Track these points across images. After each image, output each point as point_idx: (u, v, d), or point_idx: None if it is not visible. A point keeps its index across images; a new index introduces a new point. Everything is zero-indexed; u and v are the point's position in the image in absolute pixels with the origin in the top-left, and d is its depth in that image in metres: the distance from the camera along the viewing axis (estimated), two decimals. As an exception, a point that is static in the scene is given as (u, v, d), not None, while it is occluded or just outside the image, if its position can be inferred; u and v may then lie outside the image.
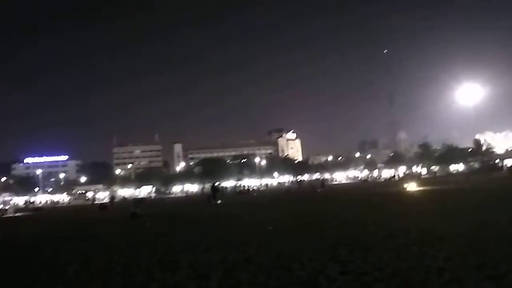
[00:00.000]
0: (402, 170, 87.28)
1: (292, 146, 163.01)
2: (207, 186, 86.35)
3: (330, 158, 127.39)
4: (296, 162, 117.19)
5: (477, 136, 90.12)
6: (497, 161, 72.33)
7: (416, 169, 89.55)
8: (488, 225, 7.65)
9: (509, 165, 61.77)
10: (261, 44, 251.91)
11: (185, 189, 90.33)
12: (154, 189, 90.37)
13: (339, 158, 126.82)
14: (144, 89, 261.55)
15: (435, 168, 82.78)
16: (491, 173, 53.67)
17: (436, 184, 31.17)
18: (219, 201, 25.25)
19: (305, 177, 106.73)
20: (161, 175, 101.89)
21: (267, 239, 8.17)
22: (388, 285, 4.19)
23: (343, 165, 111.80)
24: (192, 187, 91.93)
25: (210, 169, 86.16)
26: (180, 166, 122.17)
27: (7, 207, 50.31)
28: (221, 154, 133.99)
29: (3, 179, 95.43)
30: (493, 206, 11.55)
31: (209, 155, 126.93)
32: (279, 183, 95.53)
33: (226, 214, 16.56)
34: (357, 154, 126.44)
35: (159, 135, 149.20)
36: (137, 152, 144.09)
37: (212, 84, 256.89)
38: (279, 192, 39.28)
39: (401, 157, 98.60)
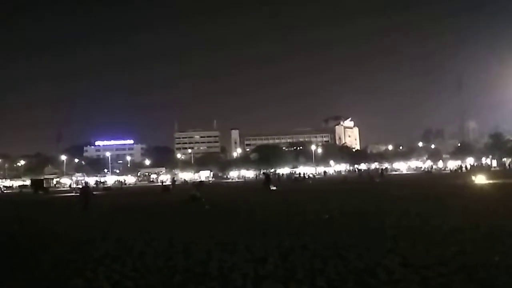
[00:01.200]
0: (469, 161, 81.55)
1: (350, 134, 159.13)
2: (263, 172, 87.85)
3: (390, 147, 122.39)
4: (353, 150, 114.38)
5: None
6: None
7: (485, 161, 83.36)
8: None
9: None
10: (324, 34, 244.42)
11: (241, 175, 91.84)
12: (212, 174, 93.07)
13: (400, 148, 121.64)
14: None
15: (507, 160, 76.37)
16: None
17: (508, 178, 28.74)
18: (274, 188, 25.44)
19: (363, 166, 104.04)
20: (219, 160, 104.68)
21: (323, 227, 8.12)
22: (451, 281, 4.00)
23: (405, 155, 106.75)
24: (248, 173, 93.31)
25: (266, 156, 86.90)
26: (237, 152, 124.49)
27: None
28: (277, 141, 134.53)
29: (76, 160, 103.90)
30: None
31: (265, 142, 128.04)
32: (335, 171, 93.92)
33: (282, 200, 16.55)
34: (420, 144, 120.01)
35: (217, 122, 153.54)
36: (197, 137, 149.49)
37: (270, 70, 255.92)
38: (336, 181, 38.62)
39: (469, 148, 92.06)
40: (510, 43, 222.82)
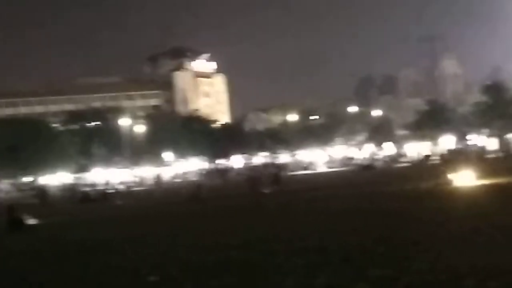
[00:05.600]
0: (447, 142, 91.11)
1: (208, 91, 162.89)
2: (7, 186, 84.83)
3: (292, 118, 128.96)
4: (216, 127, 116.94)
5: None
6: None
7: (477, 139, 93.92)
8: None
9: None
10: None
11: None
12: None
13: (313, 119, 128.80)
14: None
15: (509, 137, 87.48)
16: None
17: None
18: (31, 221, 24.95)
19: (237, 160, 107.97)
20: None
21: None
22: None
23: (323, 134, 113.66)
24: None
25: (11, 146, 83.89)
26: None
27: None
28: (38, 109, 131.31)
29: None
30: None
31: (8, 111, 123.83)
32: (178, 175, 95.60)
33: (51, 251, 16.51)
34: (353, 109, 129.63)
35: None
36: None
37: None
38: (176, 197, 39.48)
39: (445, 114, 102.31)
40: None
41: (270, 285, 8.05)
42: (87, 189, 66.91)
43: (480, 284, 7.52)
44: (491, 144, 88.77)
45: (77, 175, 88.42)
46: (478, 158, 59.78)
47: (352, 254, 10.55)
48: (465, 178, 28.25)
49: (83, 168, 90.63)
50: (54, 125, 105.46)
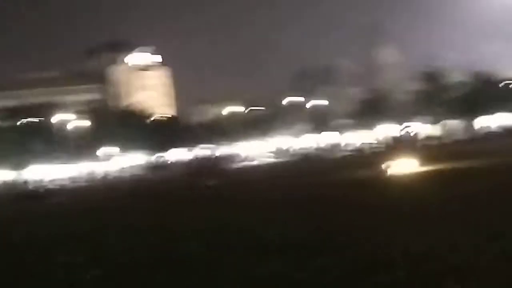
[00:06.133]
0: (386, 130, 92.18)
1: (146, 84, 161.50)
2: None
3: (233, 110, 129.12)
4: (155, 120, 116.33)
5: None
6: None
7: (414, 126, 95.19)
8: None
9: None
10: None
11: None
12: None
13: (252, 107, 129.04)
14: None
15: (450, 122, 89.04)
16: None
17: (456, 159, 33.47)
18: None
19: (179, 154, 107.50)
20: None
21: None
22: None
23: (263, 126, 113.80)
24: None
25: None
26: None
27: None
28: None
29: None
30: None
31: None
32: (116, 169, 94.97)
33: None
34: (292, 100, 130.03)
35: None
36: None
37: None
38: (115, 193, 39.30)
39: (384, 103, 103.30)
40: None
41: (211, 277, 8.06)
42: (25, 187, 66.04)
43: (412, 268, 7.71)
44: (432, 130, 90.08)
45: (13, 172, 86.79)
46: (419, 145, 60.71)
47: (291, 246, 10.67)
48: (406, 165, 28.63)
49: (19, 166, 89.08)
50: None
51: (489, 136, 73.00)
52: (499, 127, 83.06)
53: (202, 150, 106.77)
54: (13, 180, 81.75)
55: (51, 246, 15.41)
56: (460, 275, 7.16)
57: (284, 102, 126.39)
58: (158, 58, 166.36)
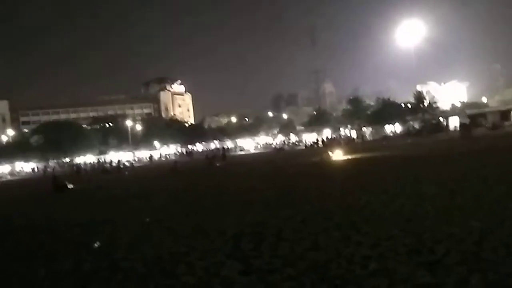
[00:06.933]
0: (327, 133, 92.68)
1: (180, 104, 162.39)
2: (53, 164, 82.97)
3: (233, 120, 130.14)
4: (186, 125, 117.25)
5: (419, 88, 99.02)
6: (441, 119, 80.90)
7: (344, 131, 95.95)
8: (426, 200, 8.62)
9: (455, 124, 69.93)
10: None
11: (17, 169, 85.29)
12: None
13: (245, 120, 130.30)
14: None
15: (367, 129, 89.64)
16: (435, 134, 60.16)
17: (367, 151, 33.93)
18: (71, 186, 24.52)
19: (199, 146, 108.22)
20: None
21: (144, 233, 8.36)
22: (301, 284, 4.51)
23: (252, 129, 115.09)
24: (28, 166, 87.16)
25: (55, 139, 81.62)
26: (7, 134, 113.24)
27: None
28: (73, 115, 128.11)
29: None
30: (434, 176, 13.01)
31: (53, 117, 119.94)
32: (163, 155, 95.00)
33: (83, 203, 16.38)
34: (270, 114, 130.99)
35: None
36: None
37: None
38: (163, 169, 39.13)
39: (326, 116, 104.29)
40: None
41: (217, 221, 8.07)
42: (106, 165, 65.98)
43: (344, 217, 7.75)
44: (353, 134, 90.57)
45: (99, 157, 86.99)
46: (345, 143, 60.74)
47: (269, 202, 10.68)
48: (337, 155, 28.99)
49: (103, 152, 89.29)
50: (83, 125, 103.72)
51: (389, 137, 73.34)
52: (396, 131, 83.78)
53: (214, 144, 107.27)
54: (97, 162, 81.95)
55: (121, 201, 15.44)
56: (372, 221, 7.20)
57: (265, 115, 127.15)
58: (184, 87, 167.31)
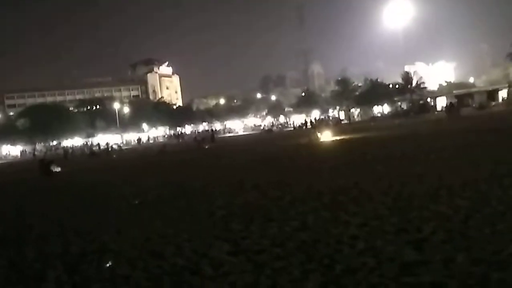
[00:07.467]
0: (315, 114, 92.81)
1: (168, 86, 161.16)
2: (41, 147, 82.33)
3: (222, 101, 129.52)
4: (174, 108, 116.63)
5: (406, 68, 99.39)
6: (429, 99, 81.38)
7: (333, 112, 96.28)
8: (414, 180, 8.69)
9: (442, 104, 70.39)
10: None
11: (3, 153, 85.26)
12: None
13: (234, 102, 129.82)
14: None
15: (355, 111, 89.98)
16: (422, 115, 60.57)
17: (356, 132, 34.11)
18: (57, 169, 24.37)
19: (188, 129, 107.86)
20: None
21: (133, 215, 8.34)
22: (290, 263, 4.55)
23: (240, 111, 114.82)
24: (14, 150, 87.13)
25: (42, 122, 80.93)
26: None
27: None
28: (59, 98, 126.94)
29: None
30: (422, 157, 13.11)
31: (40, 100, 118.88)
32: (151, 138, 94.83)
33: (71, 187, 16.31)
34: (258, 95, 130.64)
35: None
36: None
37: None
38: (151, 152, 39.04)
39: (314, 98, 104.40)
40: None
41: (207, 210, 8.07)
42: (94, 148, 65.73)
43: (332, 197, 7.79)
44: (341, 115, 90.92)
45: (86, 140, 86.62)
46: (333, 124, 60.98)
47: (259, 184, 10.70)
48: (325, 136, 29.10)
49: (90, 135, 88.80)
50: (70, 108, 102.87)
51: (377, 118, 73.72)
52: (384, 112, 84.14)
53: (202, 126, 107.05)
54: (84, 144, 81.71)
55: (108, 185, 15.39)
56: (360, 201, 7.25)
57: (254, 96, 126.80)
58: (172, 69, 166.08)
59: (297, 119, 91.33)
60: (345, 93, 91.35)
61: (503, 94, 69.24)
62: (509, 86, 59.77)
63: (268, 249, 5.11)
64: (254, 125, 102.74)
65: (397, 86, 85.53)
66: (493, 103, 64.29)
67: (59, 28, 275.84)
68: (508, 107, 52.25)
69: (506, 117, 32.70)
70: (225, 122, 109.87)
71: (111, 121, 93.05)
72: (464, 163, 10.51)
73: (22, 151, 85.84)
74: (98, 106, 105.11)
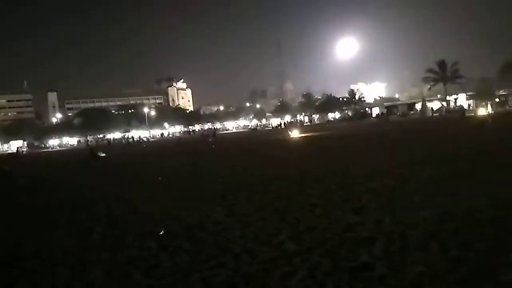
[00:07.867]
0: (287, 118, 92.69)
1: (183, 96, 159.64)
2: (91, 139, 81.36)
3: (221, 108, 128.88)
4: (187, 112, 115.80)
5: (352, 87, 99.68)
6: (367, 109, 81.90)
7: (300, 117, 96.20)
8: (356, 165, 8.76)
9: (376, 112, 70.88)
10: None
11: (64, 142, 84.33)
12: (25, 143, 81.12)
13: (230, 108, 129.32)
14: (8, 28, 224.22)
15: (315, 116, 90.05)
16: (362, 120, 60.93)
17: (316, 131, 34.19)
18: (103, 154, 24.03)
19: (197, 127, 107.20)
20: (33, 127, 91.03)
21: (157, 188, 8.21)
22: (267, 223, 4.57)
23: (234, 115, 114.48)
24: (72, 140, 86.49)
25: (92, 120, 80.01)
26: (57, 117, 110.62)
27: None
28: (104, 104, 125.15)
29: None
30: (362, 147, 13.21)
31: (90, 105, 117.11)
32: (170, 133, 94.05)
33: (109, 167, 16.11)
34: (247, 104, 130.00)
35: (28, 83, 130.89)
36: (3, 102, 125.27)
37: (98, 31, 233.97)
38: (171, 143, 38.75)
39: (287, 106, 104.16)
40: (319, 17, 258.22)
41: (210, 186, 8.02)
42: (129, 140, 65.03)
43: (299, 177, 7.81)
44: (306, 119, 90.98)
45: (124, 134, 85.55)
46: (300, 125, 60.94)
47: (247, 167, 10.66)
48: (294, 133, 29.01)
49: (127, 131, 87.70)
50: (112, 111, 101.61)
51: (330, 122, 73.82)
52: (335, 118, 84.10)
53: (207, 125, 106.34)
54: (122, 137, 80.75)
55: (140, 165, 15.23)
56: (318, 180, 7.25)
57: (244, 105, 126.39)
58: (186, 84, 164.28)
59: (275, 122, 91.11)
60: (308, 104, 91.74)
61: (418, 106, 69.66)
62: (423, 101, 60.31)
63: (252, 213, 5.12)
64: (244, 125, 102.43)
65: (345, 99, 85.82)
66: (412, 112, 64.81)
67: (100, 45, 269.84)
68: (422, 115, 52.77)
69: (420, 122, 33.05)
70: (223, 123, 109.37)
71: (142, 121, 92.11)
72: (391, 153, 10.61)
73: (78, 141, 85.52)
74: (132, 110, 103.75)
